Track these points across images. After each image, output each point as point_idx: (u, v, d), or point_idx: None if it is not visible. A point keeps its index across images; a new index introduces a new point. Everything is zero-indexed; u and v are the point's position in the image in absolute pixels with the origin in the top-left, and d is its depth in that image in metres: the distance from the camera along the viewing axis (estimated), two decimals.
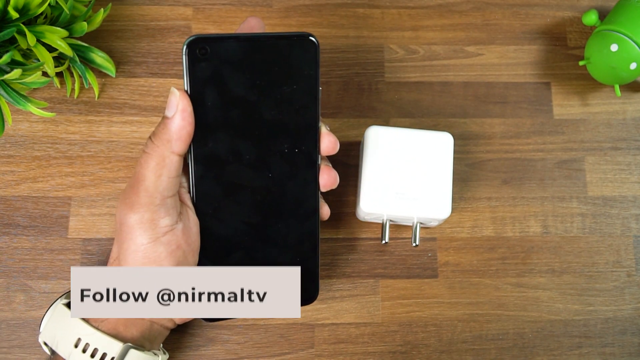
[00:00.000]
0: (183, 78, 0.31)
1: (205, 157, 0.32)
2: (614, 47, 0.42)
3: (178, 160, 0.31)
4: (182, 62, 0.30)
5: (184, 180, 0.32)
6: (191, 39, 0.30)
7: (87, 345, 0.31)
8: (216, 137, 0.32)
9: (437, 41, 0.47)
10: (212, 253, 0.33)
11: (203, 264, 0.33)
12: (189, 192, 0.32)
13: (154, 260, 0.31)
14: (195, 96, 0.31)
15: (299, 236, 0.35)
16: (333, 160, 0.44)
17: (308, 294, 0.36)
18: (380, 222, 0.41)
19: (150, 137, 0.31)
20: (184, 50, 0.30)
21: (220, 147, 0.32)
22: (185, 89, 0.31)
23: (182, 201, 0.32)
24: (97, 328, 0.32)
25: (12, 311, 0.41)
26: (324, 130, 0.34)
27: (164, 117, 0.30)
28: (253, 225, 0.34)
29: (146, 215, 0.30)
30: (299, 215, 0.34)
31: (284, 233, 0.34)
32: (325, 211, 0.36)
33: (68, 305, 0.34)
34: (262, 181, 0.33)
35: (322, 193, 0.35)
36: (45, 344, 0.33)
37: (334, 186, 0.35)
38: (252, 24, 0.34)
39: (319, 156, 0.34)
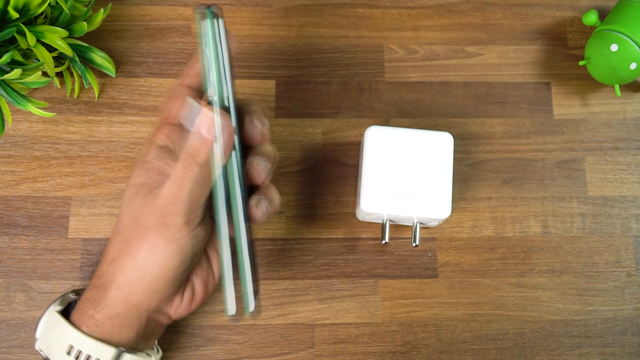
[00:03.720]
0: (207, 54, 0.30)
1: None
2: (614, 47, 0.42)
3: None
4: (210, 32, 0.30)
5: None
6: (210, 6, 0.30)
7: (79, 352, 0.31)
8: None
9: (437, 41, 0.47)
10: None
11: (251, 256, 0.33)
12: None
13: (165, 257, 0.31)
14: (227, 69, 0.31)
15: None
16: (333, 159, 0.44)
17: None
18: (380, 222, 0.41)
19: (189, 154, 0.30)
20: (209, 16, 0.30)
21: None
22: (218, 67, 0.30)
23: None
24: (89, 334, 0.32)
25: (12, 311, 0.41)
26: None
27: (199, 134, 0.30)
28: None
29: (162, 219, 0.31)
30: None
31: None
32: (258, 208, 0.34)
33: (61, 312, 0.34)
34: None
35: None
36: (41, 351, 0.33)
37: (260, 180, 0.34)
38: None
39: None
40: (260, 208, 0.33)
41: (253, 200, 0.33)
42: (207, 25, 0.30)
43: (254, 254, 0.33)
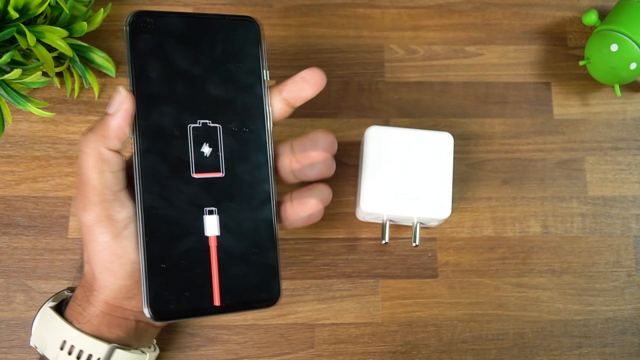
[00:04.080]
0: (125, 54, 0.31)
1: (150, 131, 0.31)
2: (614, 47, 0.42)
3: (116, 155, 0.30)
4: (125, 37, 0.30)
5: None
6: (133, 13, 0.30)
7: (72, 347, 0.31)
8: (161, 110, 0.31)
9: (437, 41, 0.47)
10: (160, 237, 0.30)
11: (151, 250, 0.30)
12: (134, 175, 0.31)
13: (121, 255, 0.30)
14: (139, 68, 0.30)
15: (253, 224, 0.32)
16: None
17: (267, 294, 0.32)
18: (380, 222, 0.41)
19: (85, 133, 0.30)
20: (126, 22, 0.30)
21: (165, 121, 0.31)
22: (128, 63, 0.30)
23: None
24: (81, 330, 0.32)
25: (12, 311, 0.41)
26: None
27: (106, 114, 0.30)
28: (202, 207, 0.31)
29: (102, 213, 0.30)
30: (252, 200, 0.32)
31: (236, 218, 0.32)
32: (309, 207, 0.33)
33: (54, 308, 0.34)
34: (211, 159, 0.32)
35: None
36: (36, 346, 0.33)
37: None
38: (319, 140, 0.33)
39: (269, 138, 0.33)
40: (295, 211, 0.33)
41: (289, 199, 0.33)
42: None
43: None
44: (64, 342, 0.32)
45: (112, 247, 0.30)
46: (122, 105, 0.30)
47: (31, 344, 0.34)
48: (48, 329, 0.33)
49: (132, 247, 0.30)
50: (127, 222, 0.30)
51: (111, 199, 0.30)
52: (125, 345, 0.33)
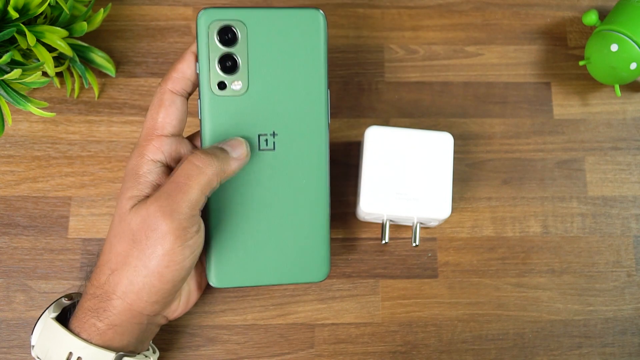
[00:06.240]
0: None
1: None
2: (614, 47, 0.42)
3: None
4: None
5: None
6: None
7: (79, 359, 0.31)
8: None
9: (437, 41, 0.47)
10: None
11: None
12: None
13: (179, 262, 0.31)
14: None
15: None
16: (333, 159, 0.44)
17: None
18: (380, 222, 0.41)
19: (207, 153, 0.32)
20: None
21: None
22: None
23: None
24: (88, 341, 0.32)
25: (12, 311, 0.41)
26: None
27: (231, 158, 0.33)
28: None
29: (183, 224, 0.31)
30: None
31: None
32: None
33: (57, 319, 0.33)
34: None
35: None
36: (39, 358, 0.33)
37: None
38: None
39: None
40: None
41: None
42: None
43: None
44: (70, 353, 0.31)
45: (176, 254, 0.32)
46: (244, 157, 0.34)
47: (33, 354, 0.33)
48: (52, 340, 0.32)
49: (191, 257, 0.33)
50: (194, 234, 0.32)
51: (195, 214, 0.33)
52: (131, 350, 0.33)
